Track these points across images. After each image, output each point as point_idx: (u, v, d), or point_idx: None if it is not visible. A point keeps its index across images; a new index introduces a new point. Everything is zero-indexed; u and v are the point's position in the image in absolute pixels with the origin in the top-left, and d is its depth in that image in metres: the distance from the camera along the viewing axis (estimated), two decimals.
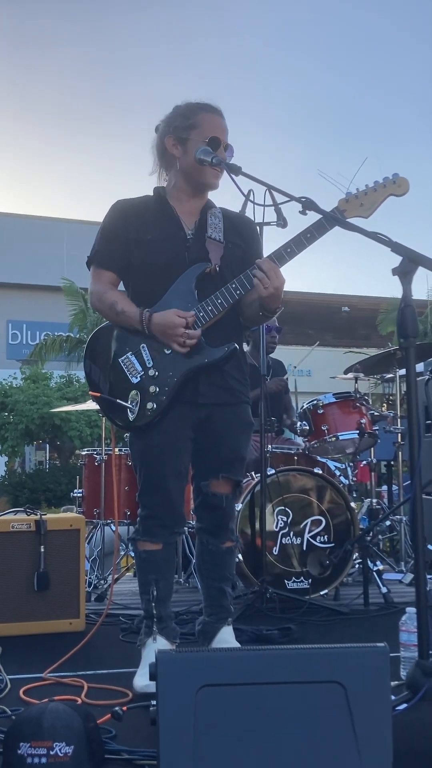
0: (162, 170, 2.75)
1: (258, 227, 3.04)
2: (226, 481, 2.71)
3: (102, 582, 4.47)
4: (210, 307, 2.56)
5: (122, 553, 4.79)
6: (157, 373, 2.59)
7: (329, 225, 2.47)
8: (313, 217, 2.40)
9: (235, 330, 2.73)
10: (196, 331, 2.54)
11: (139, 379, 2.61)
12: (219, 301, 2.56)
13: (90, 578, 4.35)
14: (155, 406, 2.57)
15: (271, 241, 3.84)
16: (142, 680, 2.47)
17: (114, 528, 4.56)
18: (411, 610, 2.53)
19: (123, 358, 2.64)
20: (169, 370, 2.58)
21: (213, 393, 2.64)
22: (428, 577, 4.13)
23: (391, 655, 1.72)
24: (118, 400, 2.63)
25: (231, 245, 2.69)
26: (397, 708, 1.97)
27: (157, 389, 2.58)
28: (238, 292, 2.56)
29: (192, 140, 2.60)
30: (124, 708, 2.09)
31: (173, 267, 2.62)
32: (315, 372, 20.67)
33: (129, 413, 2.60)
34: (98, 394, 2.68)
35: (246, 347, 4.88)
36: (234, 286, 2.56)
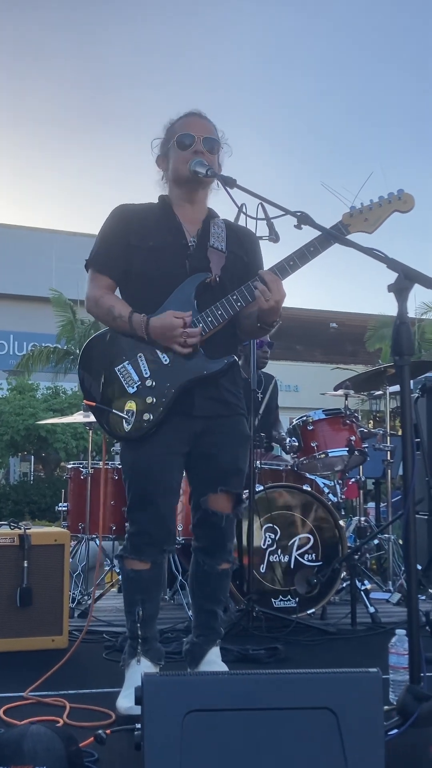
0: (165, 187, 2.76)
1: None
2: (225, 495, 2.63)
3: (86, 598, 4.41)
4: (210, 318, 2.53)
5: (107, 568, 4.72)
6: (154, 383, 2.55)
7: (333, 239, 2.45)
8: (308, 231, 2.37)
9: (232, 342, 2.70)
10: (195, 329, 2.50)
11: (135, 389, 2.56)
12: (219, 312, 2.53)
13: (74, 594, 4.28)
14: (152, 416, 2.53)
15: (264, 254, 3.81)
16: (126, 702, 2.40)
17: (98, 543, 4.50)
18: (401, 632, 2.50)
19: (119, 367, 2.59)
20: (166, 380, 2.54)
21: (208, 406, 2.60)
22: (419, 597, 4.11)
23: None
24: (114, 410, 2.58)
25: (233, 256, 2.67)
26: (388, 734, 1.92)
27: (154, 400, 2.53)
28: (239, 303, 2.53)
29: (170, 150, 2.66)
30: (108, 731, 2.03)
31: (173, 275, 2.59)
32: (302, 388, 20.76)
33: (125, 423, 2.55)
34: (93, 404, 2.63)
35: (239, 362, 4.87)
36: (235, 297, 2.53)
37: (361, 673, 1.62)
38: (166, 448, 2.56)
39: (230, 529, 2.70)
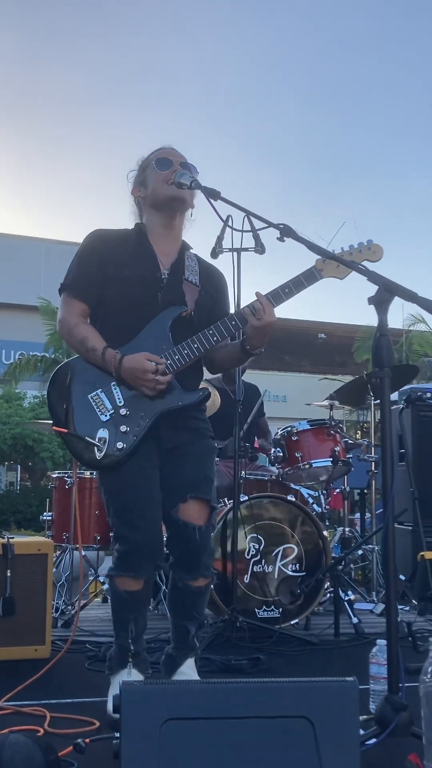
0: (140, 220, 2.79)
1: (227, 267, 3.09)
2: (196, 503, 2.60)
3: (69, 608, 4.39)
4: (186, 351, 2.56)
5: (90, 578, 4.71)
6: (128, 412, 2.55)
7: (307, 282, 2.57)
8: (290, 243, 2.40)
9: (198, 374, 2.76)
10: (166, 376, 2.52)
11: (108, 417, 2.55)
12: (195, 345, 2.56)
13: (57, 604, 4.27)
14: (125, 445, 2.52)
15: (250, 268, 3.84)
16: None
17: (83, 553, 4.49)
18: (381, 642, 2.51)
19: (92, 394, 2.58)
20: (140, 410, 2.55)
21: (175, 436, 2.62)
22: (399, 607, 4.12)
23: (361, 687, 1.70)
24: (86, 438, 2.55)
25: (204, 292, 2.71)
26: (366, 743, 1.94)
27: (128, 428, 2.53)
28: (215, 338, 2.56)
29: (148, 175, 2.70)
30: (87, 740, 2.03)
31: (145, 306, 2.60)
32: (290, 398, 20.79)
33: (96, 451, 2.53)
34: (65, 431, 2.59)
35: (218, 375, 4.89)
36: (211, 332, 2.56)
37: (337, 681, 1.63)
38: (143, 465, 2.56)
39: (204, 542, 2.63)
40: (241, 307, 2.63)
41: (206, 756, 1.54)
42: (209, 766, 1.54)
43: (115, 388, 2.57)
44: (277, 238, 2.36)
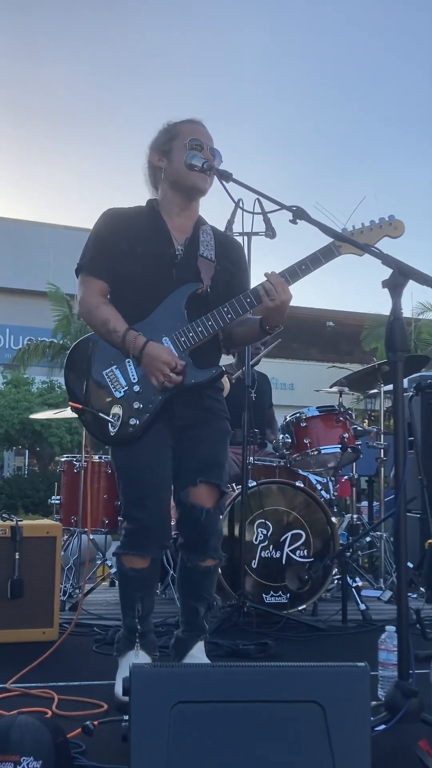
0: (153, 189, 2.74)
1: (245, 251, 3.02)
2: (206, 487, 2.61)
3: (77, 591, 4.40)
4: (200, 329, 2.54)
5: (98, 562, 4.72)
6: (141, 389, 2.55)
7: (324, 259, 2.51)
8: (303, 226, 2.37)
9: (216, 352, 2.73)
10: (178, 378, 2.51)
11: (122, 393, 2.56)
12: (210, 323, 2.54)
13: (65, 587, 4.27)
14: (138, 422, 2.53)
15: (260, 251, 3.82)
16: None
17: (91, 536, 4.50)
18: (390, 629, 2.50)
19: (107, 371, 2.59)
20: (154, 387, 2.54)
21: (188, 414, 2.61)
22: (407, 594, 4.11)
23: (370, 674, 1.68)
24: (100, 413, 2.57)
25: (220, 267, 2.68)
26: (376, 729, 1.93)
27: (141, 405, 2.54)
28: (229, 316, 2.54)
29: (174, 149, 2.62)
30: (95, 723, 2.03)
31: (160, 283, 2.59)
32: (298, 386, 20.76)
33: (110, 427, 2.55)
34: (80, 406, 2.61)
35: (231, 360, 4.87)
36: (226, 309, 2.54)
37: (349, 667, 1.62)
38: (156, 444, 2.56)
39: (212, 524, 2.65)
40: (256, 285, 2.59)
41: (216, 739, 1.54)
42: (219, 749, 1.53)
43: (129, 365, 2.57)
44: (290, 220, 2.33)
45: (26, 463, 21.00)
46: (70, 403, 2.68)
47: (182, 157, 2.57)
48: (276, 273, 2.51)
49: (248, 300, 2.54)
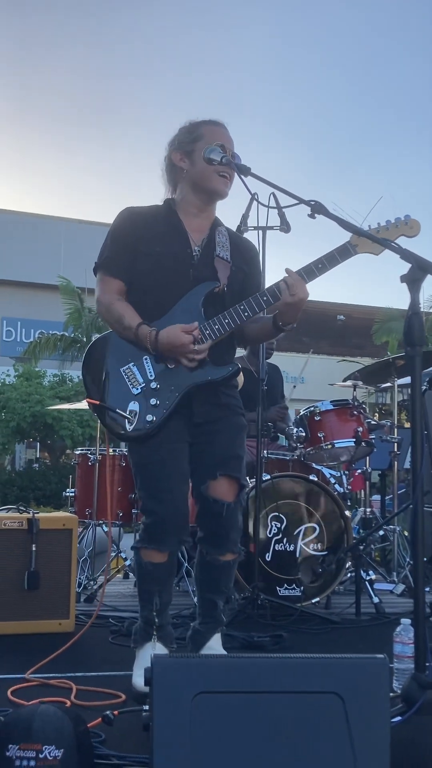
0: (171, 188, 2.76)
1: (258, 251, 3.03)
2: (226, 481, 2.63)
3: (92, 583, 4.44)
4: (217, 326, 2.56)
5: (113, 554, 4.75)
6: (158, 385, 2.57)
7: (341, 258, 2.54)
8: (321, 220, 2.38)
9: (231, 349, 2.75)
10: (203, 345, 2.53)
11: (139, 390, 2.59)
12: (226, 321, 2.57)
13: (80, 579, 4.31)
14: (155, 418, 2.56)
15: (274, 245, 3.82)
16: (142, 680, 2.44)
17: (106, 529, 4.53)
18: (405, 622, 2.51)
19: (125, 368, 2.62)
20: (171, 384, 2.57)
21: (206, 411, 2.64)
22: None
23: None
24: (117, 410, 2.60)
25: (235, 267, 2.70)
26: (392, 720, 1.94)
27: (158, 402, 2.56)
28: (246, 314, 2.57)
29: (197, 151, 2.63)
30: (116, 712, 2.06)
31: (177, 283, 2.61)
32: (309, 379, 20.74)
33: (127, 424, 2.58)
34: (97, 402, 2.64)
35: (243, 352, 4.88)
36: (242, 308, 2.57)
37: (368, 659, 1.63)
38: (172, 439, 2.59)
39: (233, 519, 2.66)
40: (272, 284, 2.61)
41: (237, 729, 1.55)
42: (240, 739, 1.55)
43: (146, 362, 2.59)
44: (308, 215, 2.33)
45: (37, 456, 21.08)
46: (87, 399, 2.71)
47: (207, 166, 2.59)
48: (293, 272, 2.53)
49: (264, 298, 2.57)
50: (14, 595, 3.33)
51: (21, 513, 3.47)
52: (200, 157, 2.60)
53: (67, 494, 4.83)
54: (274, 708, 1.56)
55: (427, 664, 2.09)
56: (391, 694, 2.15)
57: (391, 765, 1.60)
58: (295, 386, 4.91)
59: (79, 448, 4.96)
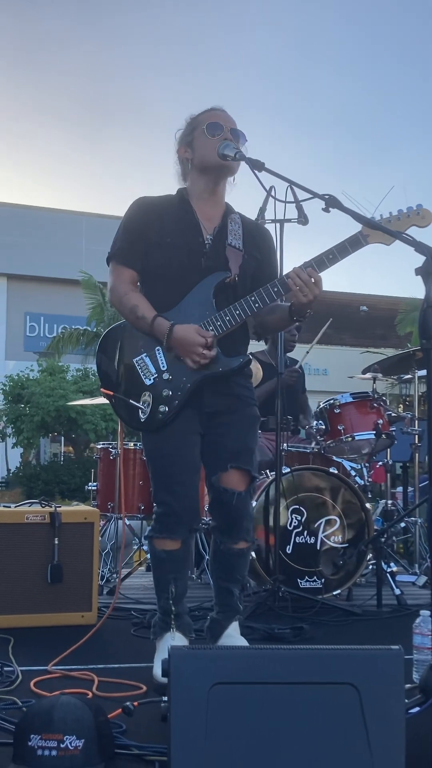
0: (183, 182, 2.78)
1: (274, 238, 3.02)
2: (237, 473, 2.66)
3: (114, 576, 4.48)
4: (228, 318, 2.58)
5: (135, 547, 4.79)
6: (171, 376, 2.60)
7: (352, 248, 2.53)
8: (334, 216, 2.38)
9: (244, 339, 2.76)
10: (212, 351, 2.55)
11: (152, 381, 2.61)
12: (237, 312, 2.58)
13: (102, 572, 4.35)
14: (167, 409, 2.58)
15: (292, 238, 3.82)
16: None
17: (128, 522, 4.56)
18: (425, 613, 2.52)
19: (138, 359, 2.65)
20: (183, 375, 2.59)
21: (218, 401, 2.65)
22: None
23: (405, 657, 1.71)
24: (130, 401, 2.63)
25: (248, 255, 2.71)
26: (410, 711, 1.95)
27: (170, 393, 2.59)
28: (257, 305, 2.58)
29: (196, 138, 2.67)
30: (135, 703, 2.08)
31: (188, 273, 2.63)
32: (331, 371, 20.65)
33: (140, 414, 2.61)
34: (111, 393, 2.68)
35: (265, 345, 4.89)
36: (253, 299, 2.57)
37: (383, 650, 1.64)
38: (184, 430, 2.62)
39: (244, 508, 2.70)
40: (284, 274, 2.61)
41: (253, 720, 1.57)
42: (256, 730, 1.57)
43: (159, 353, 2.62)
44: (323, 209, 2.33)
45: (62, 450, 21.23)
46: (101, 389, 2.75)
47: (204, 143, 2.63)
48: (302, 270, 2.51)
49: (275, 289, 2.57)
50: (37, 588, 3.37)
51: (43, 507, 3.51)
52: (199, 142, 2.64)
53: (90, 488, 4.88)
54: (289, 699, 1.58)
55: None
56: (410, 685, 2.17)
57: (408, 755, 1.61)
58: (308, 352, 4.88)
59: (101, 443, 5.00)
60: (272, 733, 1.57)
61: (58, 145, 46.54)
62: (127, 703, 2.06)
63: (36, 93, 44.77)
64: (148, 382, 2.62)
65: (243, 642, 2.70)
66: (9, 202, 24.02)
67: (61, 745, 1.74)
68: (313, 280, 2.51)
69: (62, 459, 19.66)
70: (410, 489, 6.23)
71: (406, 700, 1.96)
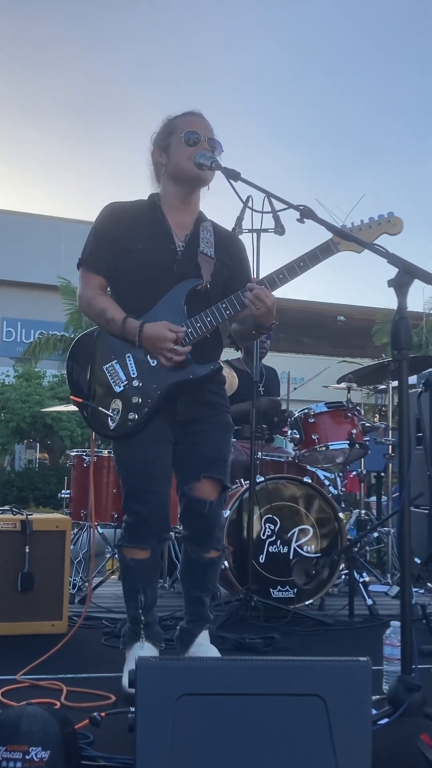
0: (157, 184, 2.76)
1: (247, 248, 3.02)
2: (209, 482, 2.65)
3: (86, 584, 4.44)
4: (199, 324, 2.58)
5: (108, 555, 4.76)
6: (141, 383, 2.59)
7: (322, 256, 2.54)
8: (310, 225, 2.39)
9: (217, 347, 2.75)
10: (184, 348, 2.54)
11: (122, 388, 2.60)
12: (208, 319, 2.58)
13: (74, 580, 4.32)
14: (136, 416, 2.58)
15: (269, 248, 3.83)
16: None
17: (101, 530, 4.54)
18: (395, 624, 2.52)
19: (108, 366, 2.63)
20: (153, 382, 2.58)
21: (190, 409, 2.65)
22: (414, 590, 4.13)
23: (374, 668, 1.71)
24: (99, 408, 2.62)
25: (219, 263, 2.70)
26: (379, 723, 1.96)
27: (140, 400, 2.58)
28: (227, 312, 2.58)
29: (172, 144, 2.65)
30: (103, 714, 2.07)
31: (160, 279, 2.62)
32: (307, 381, 20.72)
33: (109, 421, 2.60)
34: (80, 400, 2.67)
35: (239, 354, 4.89)
36: (224, 305, 2.58)
37: (351, 661, 1.64)
38: (155, 438, 2.61)
39: (215, 517, 2.70)
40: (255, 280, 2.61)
41: (219, 732, 1.57)
42: (222, 741, 1.56)
43: (129, 360, 2.61)
44: (297, 219, 2.34)
45: (37, 457, 21.08)
46: (71, 396, 2.73)
47: (180, 151, 2.61)
48: (256, 284, 2.53)
49: (246, 295, 2.56)
50: (7, 597, 3.34)
51: (14, 515, 3.48)
52: (175, 149, 2.63)
53: (63, 495, 4.84)
54: (256, 710, 1.57)
55: (414, 666, 2.10)
56: (379, 696, 2.18)
57: (373, 766, 1.61)
58: (296, 388, 4.91)
59: (75, 450, 4.97)
60: (238, 744, 1.57)
61: (37, 149, 46.41)
62: (95, 714, 2.04)
63: (15, 98, 44.65)
64: (118, 390, 2.60)
65: (214, 651, 2.69)
66: None
67: (27, 757, 1.72)
68: (263, 294, 2.50)
69: (37, 466, 19.52)
70: (384, 498, 6.27)
71: (375, 712, 1.96)
